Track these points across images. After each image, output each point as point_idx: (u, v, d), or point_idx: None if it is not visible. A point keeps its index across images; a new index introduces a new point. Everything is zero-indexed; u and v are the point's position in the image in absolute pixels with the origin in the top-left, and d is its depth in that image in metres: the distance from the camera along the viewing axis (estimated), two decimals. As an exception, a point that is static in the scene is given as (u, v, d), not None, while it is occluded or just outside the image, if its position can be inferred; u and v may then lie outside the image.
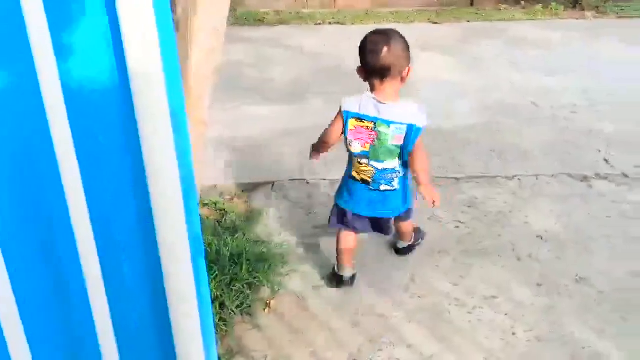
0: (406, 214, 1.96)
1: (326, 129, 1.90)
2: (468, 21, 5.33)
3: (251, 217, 2.33)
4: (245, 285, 1.89)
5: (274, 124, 3.22)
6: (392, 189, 1.83)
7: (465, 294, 1.92)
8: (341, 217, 1.92)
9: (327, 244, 2.18)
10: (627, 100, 3.36)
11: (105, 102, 1.04)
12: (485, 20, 5.32)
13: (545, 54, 4.30)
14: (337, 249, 1.96)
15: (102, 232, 1.10)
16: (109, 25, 0.99)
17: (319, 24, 5.40)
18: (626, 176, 2.53)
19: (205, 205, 2.33)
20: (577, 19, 5.29)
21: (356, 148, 1.79)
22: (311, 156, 2.02)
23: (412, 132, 1.73)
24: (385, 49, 1.69)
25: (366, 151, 1.78)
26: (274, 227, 2.29)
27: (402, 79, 1.75)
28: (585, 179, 2.53)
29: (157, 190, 1.07)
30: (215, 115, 2.68)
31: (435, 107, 3.36)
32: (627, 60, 4.05)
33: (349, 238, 1.94)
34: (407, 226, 2.04)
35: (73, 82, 1.01)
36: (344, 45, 4.79)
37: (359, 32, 5.39)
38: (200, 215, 2.17)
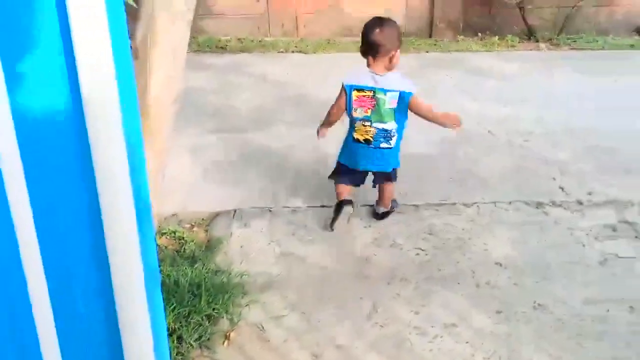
0: (394, 175, 2.39)
1: (332, 106, 2.40)
2: (427, 52, 5.46)
3: (211, 246, 2.29)
4: (204, 318, 1.85)
5: (236, 151, 3.21)
6: (390, 146, 2.29)
7: (426, 322, 1.92)
8: (339, 172, 2.42)
9: (288, 273, 2.16)
10: (580, 128, 3.48)
11: (59, 132, 1.01)
12: (444, 51, 5.47)
13: (501, 84, 4.44)
14: (336, 194, 2.42)
15: (55, 265, 1.06)
16: (64, 53, 0.97)
17: (282, 52, 5.45)
18: (580, 203, 2.61)
19: (163, 234, 2.28)
20: (531, 50, 5.50)
21: (360, 113, 2.26)
22: (318, 134, 2.50)
23: (404, 96, 2.20)
24: (377, 29, 2.18)
25: (368, 116, 2.24)
26: (234, 257, 2.26)
27: (390, 59, 2.20)
28: (541, 205, 2.60)
29: (111, 221, 1.04)
30: (177, 142, 2.65)
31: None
32: (580, 90, 4.21)
33: (345, 188, 2.42)
34: (390, 188, 2.44)
35: (25, 112, 0.98)
36: (307, 73, 4.85)
37: (321, 60, 5.50)
38: (158, 245, 2.13)
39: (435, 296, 2.05)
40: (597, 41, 5.65)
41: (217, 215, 2.56)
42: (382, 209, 2.50)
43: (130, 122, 1.04)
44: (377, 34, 2.18)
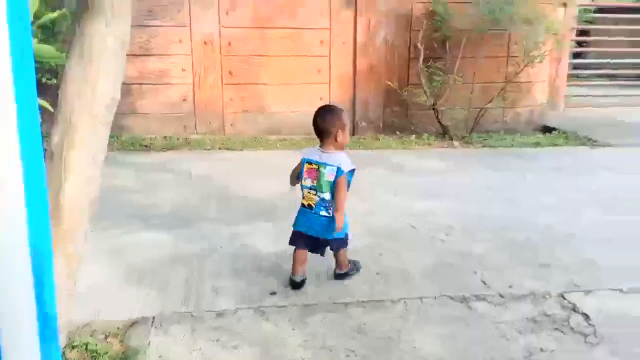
0: (337, 244, 2.70)
1: (293, 169, 2.73)
2: (350, 149, 5.67)
3: (127, 358, 2.12)
4: None
5: (158, 252, 3.09)
6: (328, 215, 2.61)
7: None
8: (294, 238, 2.71)
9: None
10: (495, 223, 3.65)
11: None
12: (366, 149, 5.71)
13: (420, 179, 4.65)
14: (292, 261, 2.71)
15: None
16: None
17: (208, 149, 5.49)
18: (502, 296, 2.67)
19: (74, 347, 2.10)
20: (446, 147, 5.85)
21: (308, 182, 2.62)
22: (292, 183, 2.79)
23: (339, 172, 2.54)
24: (319, 116, 2.60)
25: (314, 185, 2.60)
26: (153, 368, 2.10)
27: (336, 139, 2.58)
28: (465, 300, 2.63)
29: (9, 335, 0.95)
30: (94, 244, 2.52)
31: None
32: (493, 185, 4.48)
33: (300, 253, 2.70)
34: (340, 256, 2.75)
35: None
36: (233, 170, 4.87)
37: (248, 157, 5.58)
38: (67, 360, 1.95)
39: (367, 401, 1.97)
40: (506, 139, 6.11)
41: (134, 323, 2.39)
42: (337, 271, 2.80)
43: (38, 232, 0.98)
44: (319, 120, 2.59)
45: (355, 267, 2.85)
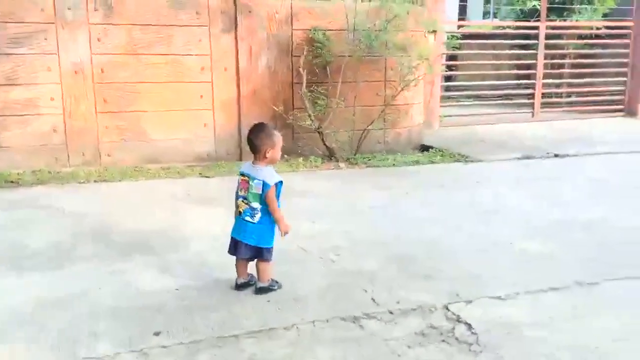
0: (260, 254, 2.87)
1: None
2: (236, 175, 5.58)
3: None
4: None
5: (28, 297, 2.79)
6: (252, 221, 2.82)
7: None
8: (230, 244, 2.92)
9: None
10: (382, 240, 3.74)
11: None
12: (254, 173, 5.64)
13: (309, 201, 4.66)
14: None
15: None
16: None
17: (83, 182, 5.13)
18: (391, 313, 2.71)
19: None
20: (333, 169, 5.96)
21: (241, 192, 2.84)
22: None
23: (265, 185, 2.77)
24: (250, 134, 2.84)
25: (245, 195, 2.82)
26: None
27: (265, 155, 2.80)
28: (356, 320, 2.64)
29: None
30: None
31: (209, 260, 3.32)
32: (378, 204, 4.60)
33: (240, 265, 2.93)
34: (263, 266, 2.88)
35: None
36: (111, 203, 4.58)
37: (127, 188, 5.28)
38: None
39: None
40: (388, 159, 6.35)
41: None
42: (259, 284, 2.90)
43: None
44: (252, 137, 2.82)
45: (276, 283, 2.95)
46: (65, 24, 5.43)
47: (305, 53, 6.09)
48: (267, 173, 2.80)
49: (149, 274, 3.14)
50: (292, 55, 6.22)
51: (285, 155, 6.24)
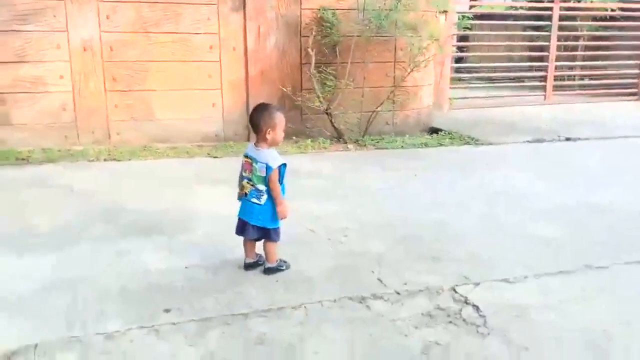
0: (267, 235, 2.86)
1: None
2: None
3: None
4: None
5: (36, 277, 2.81)
6: (258, 203, 2.80)
7: None
8: (237, 224, 2.92)
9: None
10: (390, 221, 3.73)
11: None
12: (262, 154, 5.64)
13: (317, 182, 4.66)
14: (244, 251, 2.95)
15: None
16: None
17: (92, 160, 5.15)
18: (398, 293, 2.72)
19: None
20: (341, 150, 5.94)
21: (245, 174, 2.84)
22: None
23: (268, 168, 2.74)
24: (252, 113, 2.80)
25: (249, 176, 2.82)
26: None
27: (265, 137, 2.76)
28: (364, 300, 2.65)
29: None
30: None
31: (217, 240, 3.33)
32: (386, 185, 4.59)
33: (248, 245, 2.93)
34: (270, 247, 2.89)
35: None
36: (120, 182, 4.60)
37: (136, 168, 5.30)
38: None
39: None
40: (397, 141, 6.31)
41: (13, 353, 2.15)
42: (267, 264, 2.91)
43: None
44: (252, 117, 2.79)
45: (284, 263, 2.95)
46: (75, 1, 5.40)
47: (314, 33, 6.03)
48: (270, 156, 2.77)
49: (158, 253, 3.16)
50: (300, 35, 6.16)
51: (294, 137, 6.23)
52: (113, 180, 4.62)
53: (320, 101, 5.98)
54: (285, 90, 6.06)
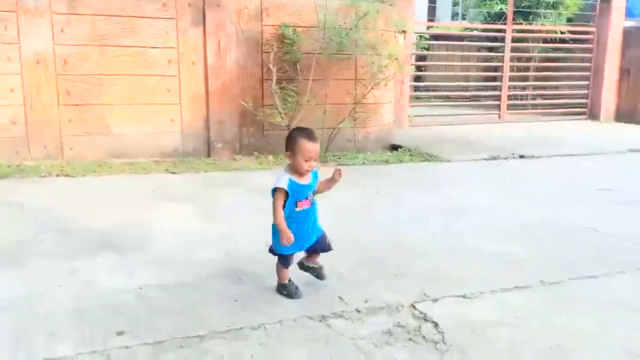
0: (274, 252, 2.80)
1: None
2: (206, 171, 5.51)
3: None
4: None
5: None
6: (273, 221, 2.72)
7: None
8: None
9: None
10: (352, 238, 3.73)
11: None
12: (223, 170, 5.58)
13: (278, 199, 4.62)
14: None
15: None
16: None
17: (44, 176, 4.98)
18: (358, 311, 2.70)
19: None
20: (302, 167, 5.91)
21: None
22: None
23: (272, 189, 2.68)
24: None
25: None
26: None
27: (288, 160, 2.70)
28: (324, 318, 2.62)
29: None
30: None
31: (174, 259, 3.24)
32: (348, 203, 4.59)
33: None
34: (276, 266, 2.83)
35: None
36: (73, 199, 4.45)
37: (91, 184, 5.15)
38: None
39: None
40: (358, 157, 6.36)
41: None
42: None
43: None
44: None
45: (288, 288, 2.83)
46: (27, 12, 5.26)
47: (275, 49, 6.04)
48: (277, 177, 2.71)
49: (112, 272, 3.06)
50: (262, 51, 6.16)
51: (255, 153, 6.20)
52: (66, 197, 4.47)
53: (281, 117, 5.98)
54: (246, 105, 6.03)
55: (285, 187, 2.64)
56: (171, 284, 2.94)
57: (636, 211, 4.50)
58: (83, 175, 5.08)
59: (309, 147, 2.63)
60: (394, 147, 7.00)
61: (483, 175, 5.80)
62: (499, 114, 9.68)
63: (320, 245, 2.88)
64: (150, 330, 2.44)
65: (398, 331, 2.52)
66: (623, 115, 9.95)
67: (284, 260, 2.81)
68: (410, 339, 2.46)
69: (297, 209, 2.69)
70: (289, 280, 2.86)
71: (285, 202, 2.68)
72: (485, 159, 6.51)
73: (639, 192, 5.13)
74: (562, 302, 2.87)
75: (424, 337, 2.46)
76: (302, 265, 2.94)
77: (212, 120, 6.03)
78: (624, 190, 5.17)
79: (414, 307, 2.75)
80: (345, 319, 2.63)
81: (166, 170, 5.44)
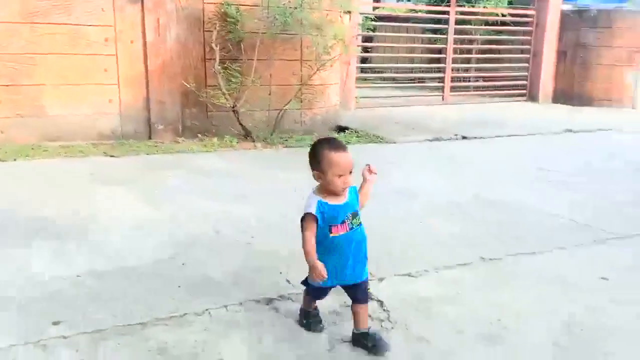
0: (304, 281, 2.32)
1: None
2: (147, 154, 5.34)
3: None
4: None
5: None
6: None
7: None
8: None
9: None
10: (299, 220, 3.70)
11: None
12: (165, 153, 5.43)
13: (224, 182, 4.54)
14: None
15: None
16: None
17: (-28, 161, 4.70)
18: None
19: None
20: (249, 149, 5.84)
21: None
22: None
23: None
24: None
25: None
26: None
27: (317, 181, 2.23)
28: (270, 302, 2.60)
29: None
30: None
31: (114, 244, 3.14)
32: (295, 185, 4.55)
33: None
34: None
35: None
36: (5, 184, 4.23)
37: (24, 168, 4.92)
38: None
39: None
40: (305, 139, 6.31)
41: None
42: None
43: None
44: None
45: (309, 319, 2.40)
46: (-53, -15, 4.89)
47: (217, 28, 5.88)
48: (307, 201, 2.24)
49: (48, 260, 2.93)
50: (204, 29, 5.98)
51: (199, 135, 6.06)
52: (-4, 183, 4.24)
53: (225, 98, 5.85)
54: (188, 86, 5.86)
55: (314, 212, 2.17)
56: (111, 270, 2.84)
57: (573, 190, 4.69)
58: (15, 160, 4.81)
59: (341, 160, 2.17)
60: (341, 129, 7.00)
61: (427, 156, 5.89)
62: (443, 96, 9.85)
63: (358, 293, 2.30)
64: (89, 319, 2.35)
65: (345, 311, 2.52)
66: (560, 97, 10.32)
67: (316, 294, 2.35)
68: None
69: (332, 235, 2.18)
70: (315, 309, 2.41)
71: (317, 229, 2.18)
72: (429, 140, 6.61)
73: (576, 172, 5.34)
74: (503, 278, 2.96)
75: (370, 316, 2.48)
76: (355, 338, 2.29)
77: (152, 100, 5.83)
78: (561, 170, 5.37)
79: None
80: (292, 301, 2.62)
81: (105, 153, 5.24)
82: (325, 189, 2.21)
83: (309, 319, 2.39)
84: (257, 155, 5.64)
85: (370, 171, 2.44)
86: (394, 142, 6.45)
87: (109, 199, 3.94)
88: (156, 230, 3.41)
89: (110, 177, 4.47)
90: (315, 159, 2.21)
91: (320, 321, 2.40)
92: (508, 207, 4.16)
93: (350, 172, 2.22)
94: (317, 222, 2.16)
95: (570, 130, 7.47)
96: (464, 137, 6.81)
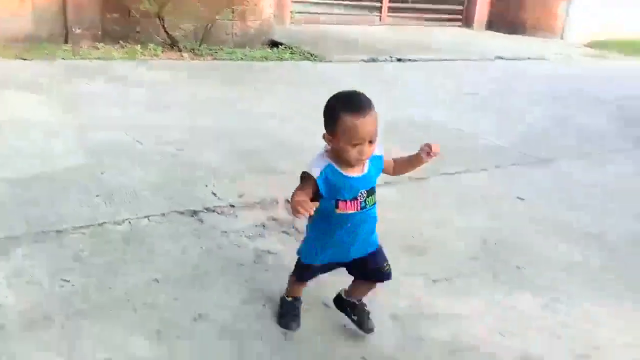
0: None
1: None
2: (63, 58, 4.95)
3: None
4: None
5: None
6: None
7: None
8: None
9: None
10: (227, 133, 3.60)
11: None
12: (83, 58, 5.06)
13: (148, 92, 4.31)
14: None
15: None
16: None
17: None
18: (232, 206, 2.64)
19: None
20: (176, 59, 5.54)
21: None
22: None
23: None
24: None
25: None
26: None
27: (327, 143, 1.72)
28: (195, 213, 2.53)
29: None
30: None
31: (27, 151, 2.94)
32: (225, 97, 4.39)
33: None
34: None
35: None
36: None
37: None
38: None
39: (87, 332, 1.75)
40: (236, 52, 6.06)
41: None
42: None
43: None
44: None
45: (285, 304, 1.95)
46: None
47: None
48: (312, 159, 1.77)
49: None
50: None
51: (121, 41, 5.66)
52: None
53: (150, 3, 5.43)
54: (109, -13, 5.39)
55: (315, 175, 1.69)
56: (23, 177, 2.66)
57: (499, 114, 4.81)
58: None
59: (359, 126, 1.63)
60: (274, 44, 6.75)
61: (361, 76, 5.82)
62: (380, 16, 9.68)
63: (373, 266, 1.85)
64: (1, 225, 2.21)
65: (272, 224, 2.52)
66: (493, 24, 10.41)
67: (299, 272, 1.89)
68: (284, 231, 2.47)
69: (339, 211, 1.71)
70: (295, 299, 1.95)
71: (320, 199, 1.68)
72: (364, 61, 6.52)
73: (502, 98, 5.47)
74: (428, 196, 3.04)
75: (296, 229, 2.48)
76: (339, 302, 1.95)
77: (69, 2, 5.34)
78: (489, 95, 5.48)
79: (288, 201, 2.73)
80: (219, 214, 2.57)
81: (16, 56, 4.81)
82: (334, 154, 1.71)
83: (283, 309, 1.94)
84: (183, 66, 5.36)
85: (429, 154, 1.88)
86: (330, 61, 6.31)
87: (21, 104, 3.65)
88: (72, 137, 3.21)
89: (23, 81, 4.14)
90: (329, 118, 1.69)
91: (297, 317, 1.92)
92: (435, 128, 4.22)
93: (372, 142, 1.68)
94: (318, 191, 1.69)
95: (501, 58, 7.60)
96: (399, 60, 6.76)
